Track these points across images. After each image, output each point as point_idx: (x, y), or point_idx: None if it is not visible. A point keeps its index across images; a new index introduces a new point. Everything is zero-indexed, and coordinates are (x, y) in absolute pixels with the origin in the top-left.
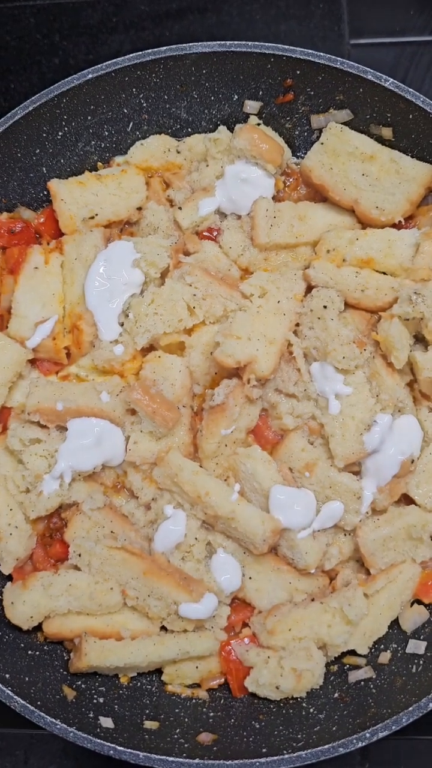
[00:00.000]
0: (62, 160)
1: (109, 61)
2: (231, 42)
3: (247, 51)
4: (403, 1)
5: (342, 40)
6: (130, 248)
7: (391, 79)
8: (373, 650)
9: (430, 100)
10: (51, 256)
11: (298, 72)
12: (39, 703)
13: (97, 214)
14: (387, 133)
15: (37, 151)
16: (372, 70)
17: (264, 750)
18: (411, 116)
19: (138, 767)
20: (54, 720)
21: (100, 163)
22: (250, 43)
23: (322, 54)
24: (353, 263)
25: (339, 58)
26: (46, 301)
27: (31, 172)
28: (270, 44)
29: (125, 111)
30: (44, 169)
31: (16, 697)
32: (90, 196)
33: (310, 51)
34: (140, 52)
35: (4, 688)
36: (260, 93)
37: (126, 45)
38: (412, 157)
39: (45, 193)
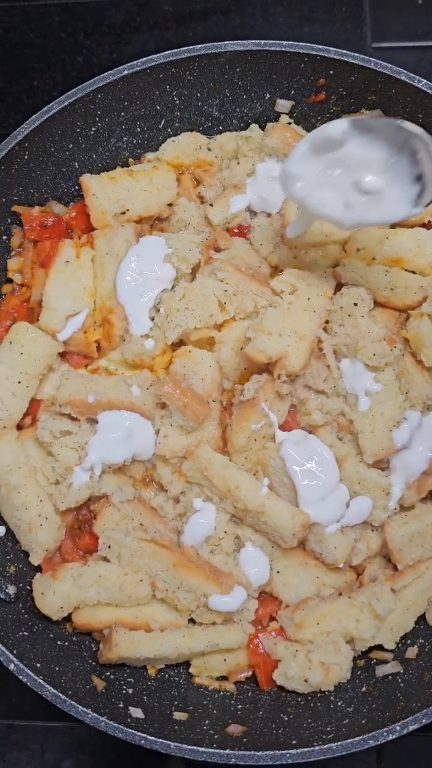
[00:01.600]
0: (94, 156)
1: (144, 58)
2: (265, 41)
3: (281, 50)
4: (426, 5)
5: (364, 43)
6: (161, 243)
7: (425, 80)
8: (400, 645)
9: None
10: (82, 250)
11: (331, 72)
12: (70, 692)
13: (128, 210)
14: None
15: (71, 146)
16: (405, 71)
17: (294, 742)
18: None
19: (162, 757)
20: (86, 709)
21: (131, 159)
22: (284, 42)
23: (356, 54)
24: (383, 262)
25: (372, 59)
26: (77, 294)
27: (63, 166)
28: (304, 44)
29: (158, 108)
30: (76, 164)
31: (47, 686)
32: (121, 191)
33: (344, 51)
34: (175, 50)
35: (36, 677)
36: (292, 92)
37: (150, 45)
38: None
39: (77, 187)
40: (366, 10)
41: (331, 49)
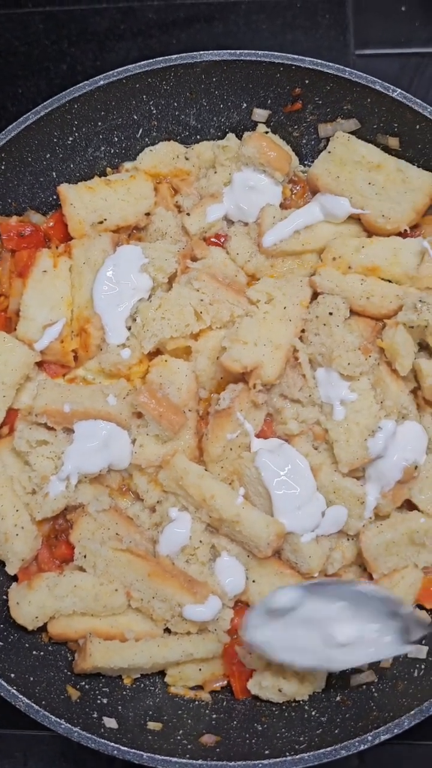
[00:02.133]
0: (72, 165)
1: (120, 68)
2: (241, 51)
3: (257, 60)
4: (408, 12)
5: (347, 50)
6: (138, 253)
7: (399, 90)
8: None
9: None
10: (59, 259)
11: (307, 81)
12: (44, 702)
13: (105, 219)
14: (394, 142)
15: (48, 155)
16: (380, 81)
17: (267, 752)
18: (418, 126)
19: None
20: (59, 720)
21: (109, 169)
22: (260, 52)
23: (330, 64)
24: (359, 271)
25: (347, 68)
26: (54, 304)
27: (41, 176)
28: (279, 54)
29: (135, 117)
30: (54, 173)
31: (21, 696)
32: (99, 201)
33: (319, 61)
34: (151, 60)
35: (9, 688)
36: (269, 101)
37: (133, 52)
38: (418, 166)
39: (54, 197)
40: (349, 17)
41: (306, 59)
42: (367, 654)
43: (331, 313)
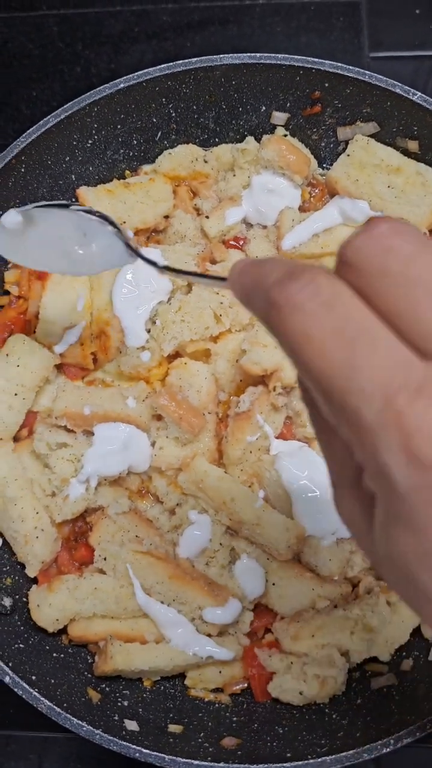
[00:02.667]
0: (91, 168)
1: (140, 72)
2: (261, 54)
3: (277, 63)
4: (423, 15)
5: (362, 53)
6: (157, 256)
7: (419, 93)
8: (395, 657)
9: None
10: None
11: (326, 85)
12: (65, 705)
13: (125, 222)
14: (413, 146)
15: (67, 158)
16: (400, 84)
17: (288, 755)
18: None
19: None
20: (81, 722)
21: (128, 171)
22: (279, 55)
23: (350, 67)
24: None
25: (368, 72)
26: (74, 306)
27: (60, 179)
28: (299, 57)
29: (154, 120)
30: (73, 176)
31: (42, 698)
32: (118, 203)
33: (339, 64)
34: (171, 63)
35: (32, 690)
36: (288, 105)
37: (148, 55)
38: None
39: (73, 200)
40: (363, 19)
41: (326, 62)
42: (107, 263)
43: None
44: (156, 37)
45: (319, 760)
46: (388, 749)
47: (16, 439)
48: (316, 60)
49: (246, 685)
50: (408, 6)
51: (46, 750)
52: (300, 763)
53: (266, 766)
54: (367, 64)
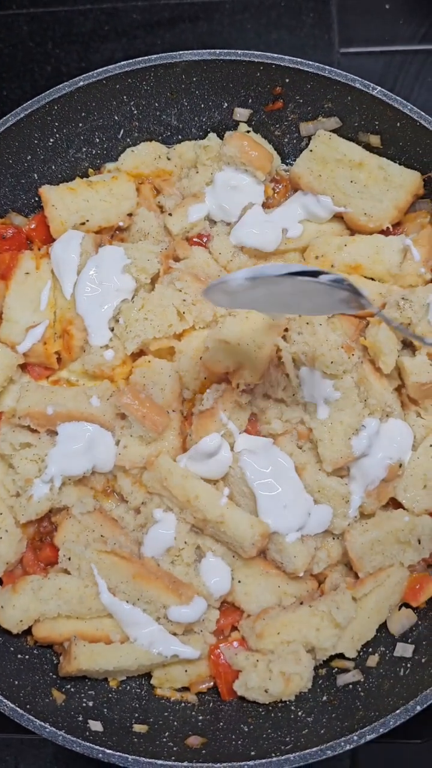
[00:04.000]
0: (53, 167)
1: (100, 69)
2: (221, 50)
3: (237, 59)
4: (392, 10)
5: (332, 48)
6: (120, 254)
7: (379, 88)
8: (361, 653)
9: (418, 109)
10: (42, 261)
11: (287, 80)
12: (28, 706)
13: (88, 220)
14: (375, 140)
15: (29, 157)
16: (360, 79)
17: (253, 753)
18: (398, 124)
19: None
20: (43, 723)
21: (91, 170)
22: (239, 51)
23: (311, 63)
24: (342, 269)
25: (327, 67)
26: (37, 306)
27: (22, 178)
28: (259, 53)
29: (116, 118)
30: (35, 175)
31: (5, 700)
32: (81, 202)
33: (299, 60)
34: (131, 60)
35: None
36: (250, 101)
37: (118, 53)
38: (399, 164)
39: (36, 199)
40: (333, 15)
41: (286, 57)
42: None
43: None
44: (126, 35)
45: (283, 758)
46: (351, 746)
47: None
48: (275, 56)
49: (212, 683)
50: (378, 1)
51: (22, 752)
52: (264, 761)
53: (230, 765)
54: (338, 60)
